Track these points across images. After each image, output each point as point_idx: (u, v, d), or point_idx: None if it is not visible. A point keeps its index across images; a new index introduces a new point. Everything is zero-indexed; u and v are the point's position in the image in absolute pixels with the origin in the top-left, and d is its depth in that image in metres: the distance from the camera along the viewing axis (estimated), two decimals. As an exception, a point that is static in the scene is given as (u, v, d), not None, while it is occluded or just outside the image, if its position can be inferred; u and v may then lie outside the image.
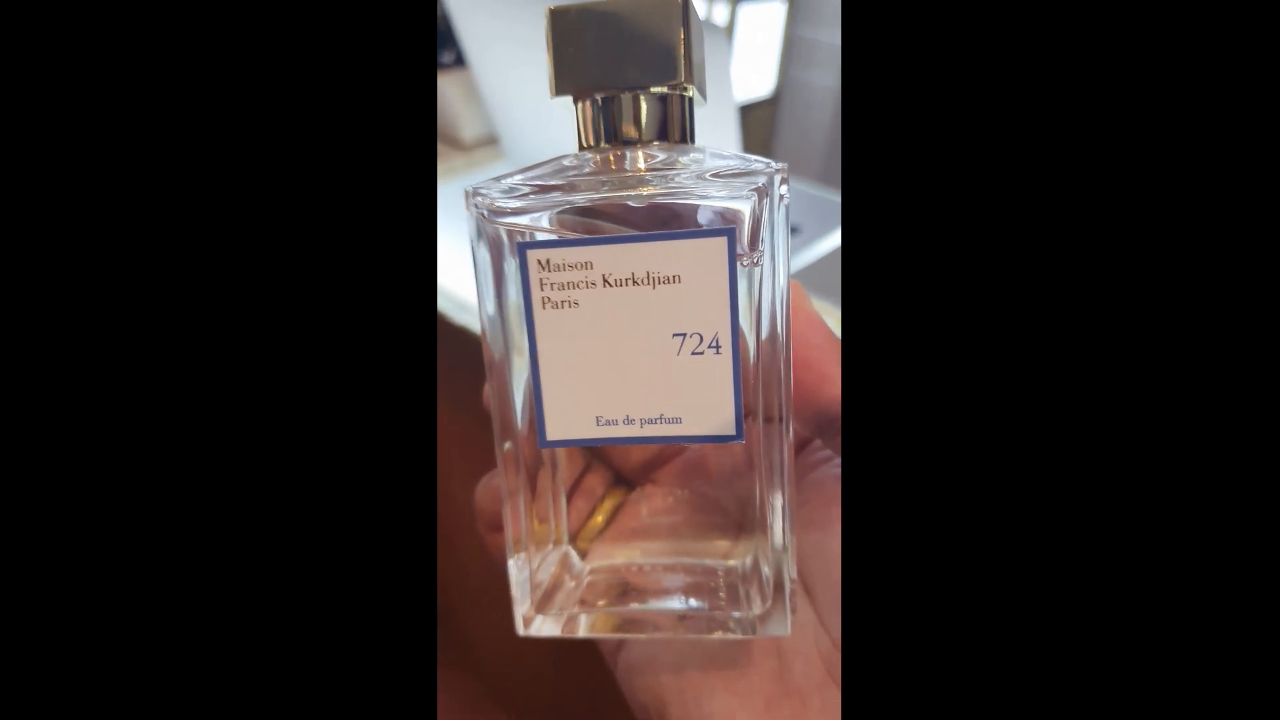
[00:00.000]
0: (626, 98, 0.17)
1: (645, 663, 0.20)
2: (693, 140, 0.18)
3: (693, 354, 0.16)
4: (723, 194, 0.16)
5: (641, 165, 0.17)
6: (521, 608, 0.19)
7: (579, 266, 0.16)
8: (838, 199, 0.80)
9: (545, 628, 0.18)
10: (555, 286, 0.17)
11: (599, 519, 0.21)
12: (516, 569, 0.19)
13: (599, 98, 0.17)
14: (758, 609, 0.18)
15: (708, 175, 0.16)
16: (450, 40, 0.80)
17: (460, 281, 0.62)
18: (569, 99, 0.17)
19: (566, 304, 0.17)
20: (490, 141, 0.89)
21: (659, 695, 0.20)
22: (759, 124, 1.33)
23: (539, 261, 0.17)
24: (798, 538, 0.20)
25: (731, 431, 0.16)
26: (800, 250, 0.69)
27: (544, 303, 0.17)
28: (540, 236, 0.17)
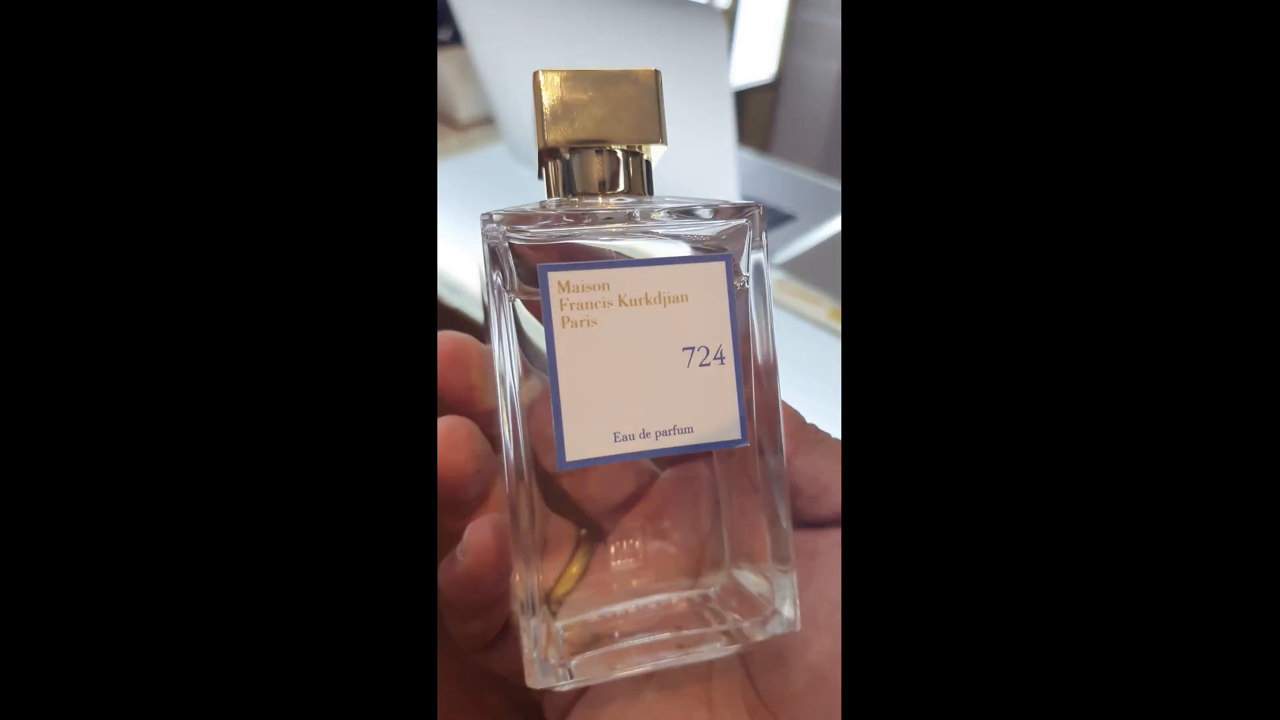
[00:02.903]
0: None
1: None
2: (648, 191, 0.19)
3: (701, 365, 0.18)
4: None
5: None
6: (534, 664, 0.17)
7: (597, 288, 0.17)
8: (835, 187, 0.80)
9: (562, 683, 0.17)
10: (574, 306, 0.17)
11: (573, 569, 0.19)
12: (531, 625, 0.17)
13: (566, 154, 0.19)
14: (753, 619, 0.18)
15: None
16: (447, 17, 0.79)
17: (454, 264, 0.61)
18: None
19: (585, 323, 0.17)
20: (486, 122, 0.87)
21: None
22: (759, 109, 1.32)
23: (559, 283, 0.17)
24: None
25: (737, 435, 0.18)
26: (796, 238, 0.69)
27: (564, 322, 0.17)
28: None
